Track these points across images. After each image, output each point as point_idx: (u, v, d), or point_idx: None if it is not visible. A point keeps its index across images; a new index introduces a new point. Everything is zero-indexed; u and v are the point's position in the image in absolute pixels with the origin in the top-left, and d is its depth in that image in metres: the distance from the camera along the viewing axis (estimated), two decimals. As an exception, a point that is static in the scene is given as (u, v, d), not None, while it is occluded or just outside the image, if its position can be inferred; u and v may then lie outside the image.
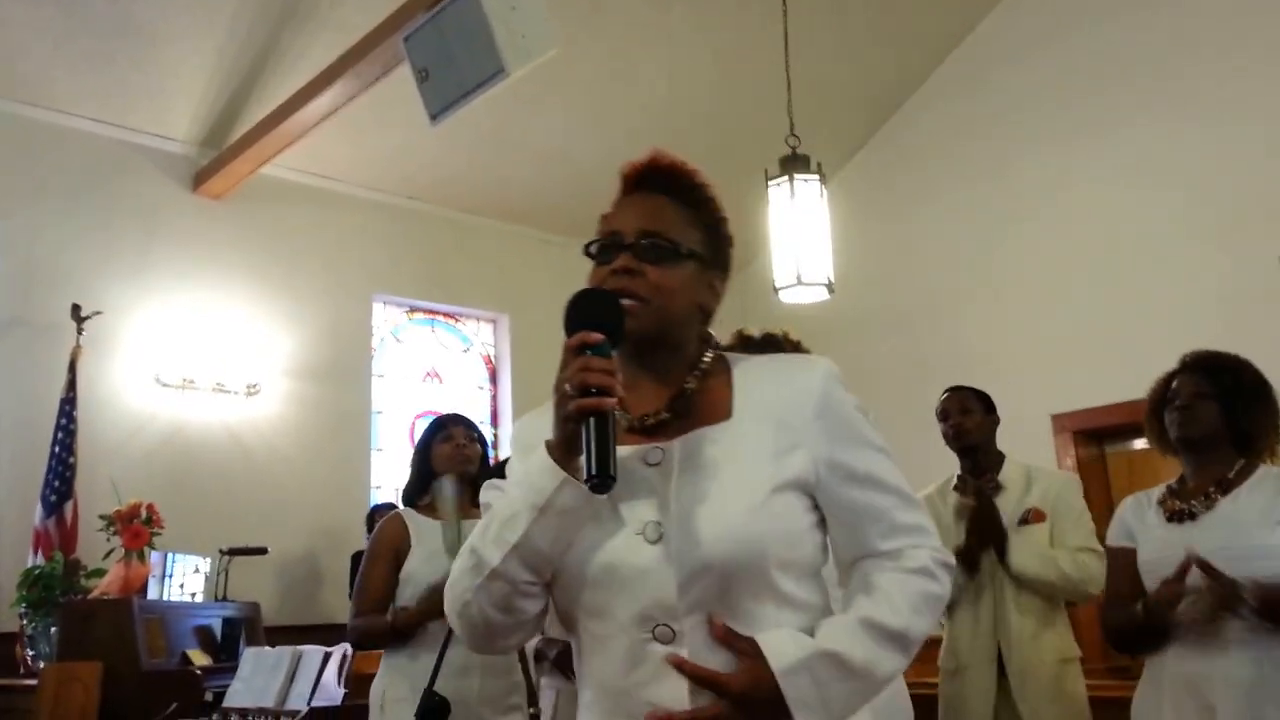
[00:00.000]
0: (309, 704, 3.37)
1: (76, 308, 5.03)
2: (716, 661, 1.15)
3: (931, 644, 3.12)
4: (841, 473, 1.24)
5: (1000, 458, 3.11)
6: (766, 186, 4.01)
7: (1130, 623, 2.29)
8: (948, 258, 6.32)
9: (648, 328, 1.25)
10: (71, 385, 4.90)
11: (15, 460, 4.95)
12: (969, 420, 3.10)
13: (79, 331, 5.00)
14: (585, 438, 1.14)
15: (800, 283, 3.91)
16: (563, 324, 1.21)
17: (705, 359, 1.30)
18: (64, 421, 4.84)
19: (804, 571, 1.22)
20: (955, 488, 3.09)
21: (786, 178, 3.98)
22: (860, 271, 5.63)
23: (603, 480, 1.13)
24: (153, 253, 5.52)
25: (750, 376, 1.30)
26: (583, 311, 1.21)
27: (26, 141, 5.26)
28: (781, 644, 1.15)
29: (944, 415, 3.16)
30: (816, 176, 3.99)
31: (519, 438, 1.34)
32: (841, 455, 1.24)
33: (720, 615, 1.16)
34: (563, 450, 1.17)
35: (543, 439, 1.21)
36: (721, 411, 1.26)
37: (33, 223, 5.23)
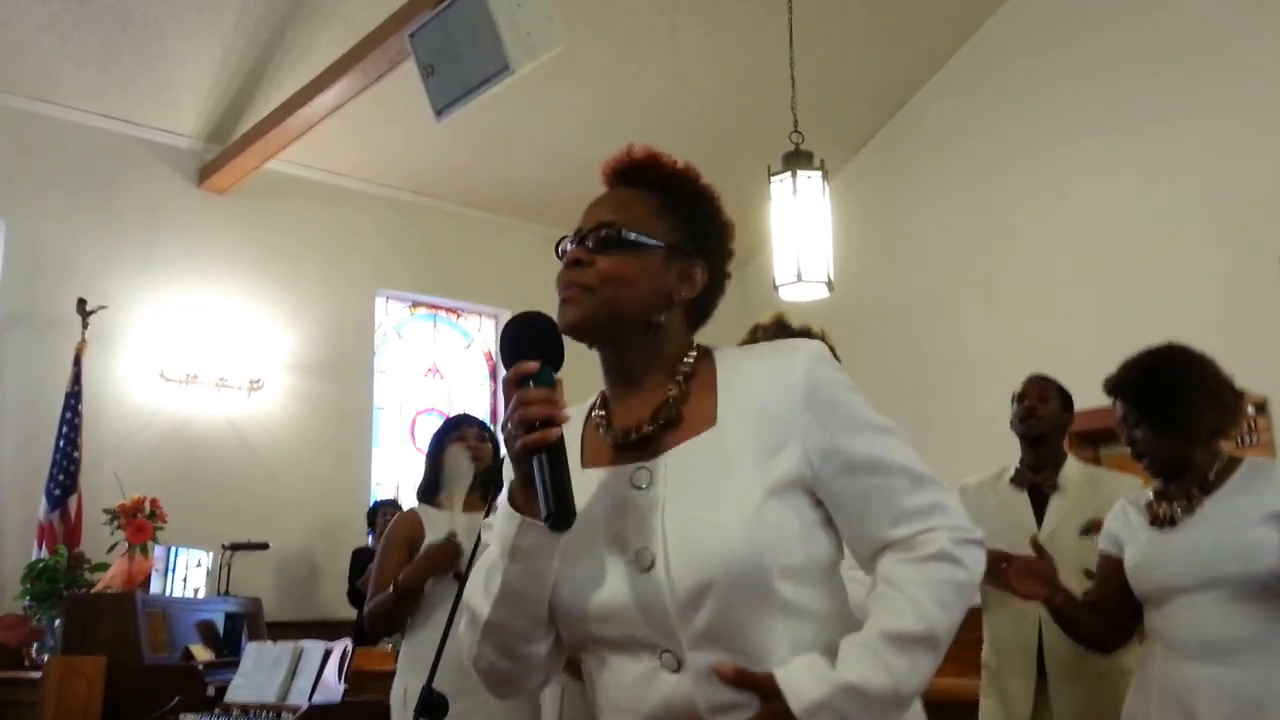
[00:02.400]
0: (310, 700, 3.39)
1: (82, 302, 5.05)
2: (730, 694, 1.10)
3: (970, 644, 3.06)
4: (838, 462, 1.15)
5: (1063, 457, 2.97)
6: (769, 182, 4.00)
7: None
8: (949, 256, 6.31)
9: (593, 317, 1.19)
10: (76, 379, 4.92)
11: (20, 454, 4.97)
12: (1045, 407, 2.95)
13: (84, 326, 5.02)
14: (537, 476, 1.10)
15: (800, 279, 3.89)
16: (500, 356, 1.17)
17: (687, 360, 1.23)
18: (69, 415, 4.86)
19: (811, 577, 1.15)
20: (1012, 480, 2.94)
21: (789, 174, 3.96)
22: (861, 269, 5.62)
23: (561, 517, 1.09)
24: (158, 247, 5.54)
25: (733, 372, 1.22)
26: (518, 338, 1.15)
27: (32, 136, 5.28)
28: (801, 681, 1.08)
29: (1021, 397, 2.99)
30: (819, 173, 3.97)
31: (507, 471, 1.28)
32: (835, 443, 1.16)
33: (726, 637, 1.10)
34: (524, 491, 1.13)
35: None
36: (706, 417, 1.19)
37: (38, 217, 5.25)
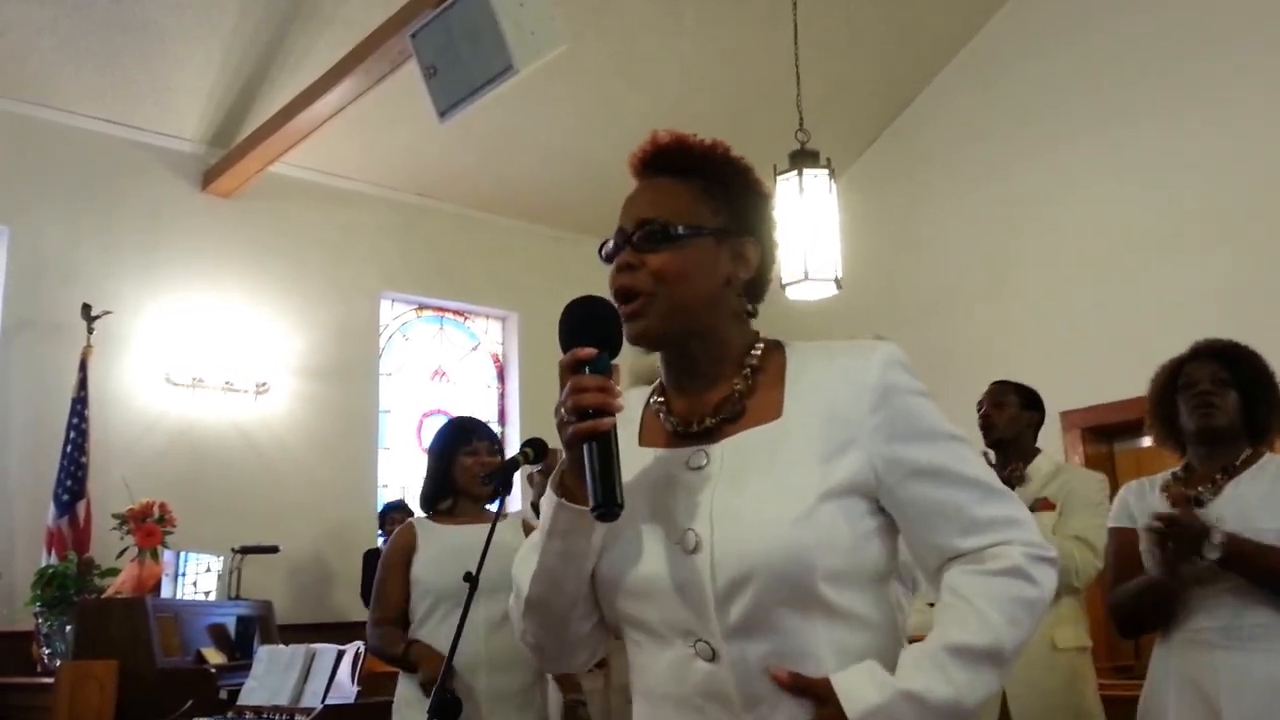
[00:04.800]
0: (323, 702, 3.40)
1: (87, 307, 5.04)
2: (765, 687, 1.08)
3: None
4: (905, 469, 1.12)
5: (1034, 453, 3.11)
6: (775, 181, 3.98)
7: (1132, 594, 2.27)
8: (956, 254, 6.31)
9: (659, 323, 1.17)
10: (82, 385, 4.91)
11: (27, 460, 4.97)
12: (999, 414, 3.11)
13: (89, 331, 5.01)
14: (587, 465, 1.09)
15: (808, 278, 3.89)
16: (558, 339, 1.14)
17: (755, 351, 1.21)
18: (75, 421, 4.85)
19: (861, 583, 1.12)
20: None
21: (795, 172, 3.95)
22: (868, 267, 5.61)
23: (607, 509, 1.08)
24: (161, 252, 5.53)
25: (803, 368, 1.19)
26: (577, 323, 1.14)
27: (33, 141, 5.27)
28: (858, 687, 1.05)
29: (980, 405, 3.18)
30: (826, 171, 3.97)
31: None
32: (904, 450, 1.13)
33: (763, 631, 1.08)
34: (573, 475, 1.13)
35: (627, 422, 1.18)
36: (772, 410, 1.16)
37: (41, 223, 5.24)
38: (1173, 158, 5.48)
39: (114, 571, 4.59)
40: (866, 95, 6.54)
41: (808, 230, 3.90)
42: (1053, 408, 5.56)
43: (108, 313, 5.10)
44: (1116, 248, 5.61)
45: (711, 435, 1.17)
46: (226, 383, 5.57)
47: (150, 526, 4.54)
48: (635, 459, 1.19)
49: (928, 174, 6.56)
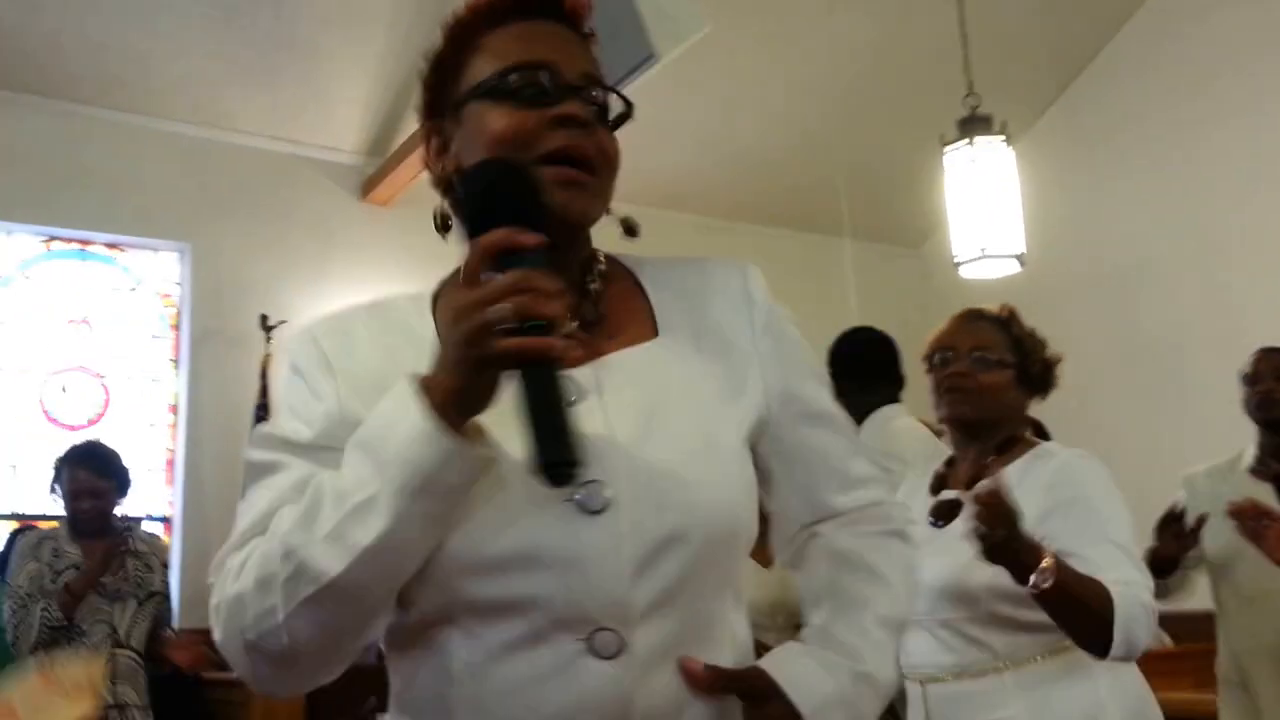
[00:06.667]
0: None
1: (264, 318, 5.26)
2: (667, 687, 0.84)
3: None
4: (796, 408, 0.96)
5: None
6: (943, 153, 3.75)
7: None
8: (1156, 222, 5.74)
9: (590, 210, 0.95)
10: (264, 392, 5.13)
11: (220, 465, 5.23)
12: None
13: (267, 340, 5.23)
14: (527, 400, 0.77)
15: (985, 255, 3.66)
16: (464, 210, 0.87)
17: (600, 260, 1.00)
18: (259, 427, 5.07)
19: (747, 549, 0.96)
20: (1252, 470, 2.65)
21: (966, 141, 3.71)
22: (1055, 241, 5.20)
23: (561, 470, 0.77)
24: (329, 261, 5.71)
25: (661, 277, 1.00)
26: (506, 193, 0.84)
27: (206, 162, 5.51)
28: (806, 674, 0.86)
29: (1253, 379, 2.71)
30: (1001, 138, 3.71)
31: (330, 346, 0.96)
32: (795, 385, 0.97)
33: (678, 614, 0.85)
34: (457, 401, 0.79)
35: (397, 362, 0.86)
36: (641, 326, 0.95)
37: (219, 239, 5.50)
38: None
39: (299, 572, 4.77)
40: (1043, 51, 6.02)
41: (982, 203, 3.65)
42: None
43: (283, 322, 5.30)
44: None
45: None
46: (397, 387, 5.71)
47: (331, 529, 4.68)
48: None
49: (1113, 138, 6.02)
